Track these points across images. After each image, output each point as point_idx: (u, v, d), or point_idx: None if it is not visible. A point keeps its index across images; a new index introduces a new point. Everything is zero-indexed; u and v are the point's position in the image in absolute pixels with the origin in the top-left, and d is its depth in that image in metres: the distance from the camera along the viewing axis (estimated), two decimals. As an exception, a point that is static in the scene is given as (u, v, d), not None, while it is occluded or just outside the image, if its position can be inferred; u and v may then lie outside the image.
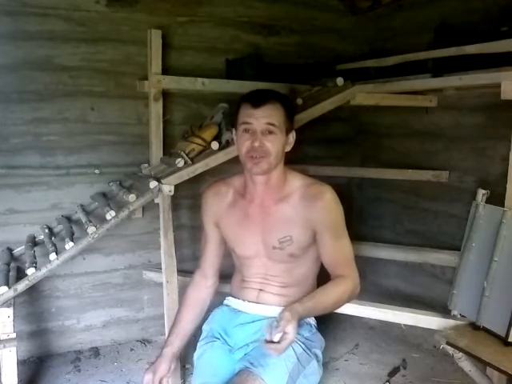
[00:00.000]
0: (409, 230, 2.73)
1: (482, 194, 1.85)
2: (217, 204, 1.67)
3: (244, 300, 1.62)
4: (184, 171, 2.09)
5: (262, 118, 1.49)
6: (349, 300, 1.55)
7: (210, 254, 1.71)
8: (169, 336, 1.65)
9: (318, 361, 1.57)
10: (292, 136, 1.58)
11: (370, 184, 2.95)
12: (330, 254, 1.55)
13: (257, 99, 1.51)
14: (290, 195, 1.56)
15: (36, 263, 1.95)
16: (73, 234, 2.07)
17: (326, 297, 1.47)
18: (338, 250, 1.54)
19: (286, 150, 1.57)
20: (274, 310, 1.56)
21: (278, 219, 1.56)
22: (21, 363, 2.05)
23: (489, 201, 1.84)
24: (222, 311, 1.67)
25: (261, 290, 1.60)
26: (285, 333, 1.26)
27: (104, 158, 2.45)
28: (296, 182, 1.58)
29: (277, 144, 1.50)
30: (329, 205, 1.53)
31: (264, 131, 1.49)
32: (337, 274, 1.54)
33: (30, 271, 1.88)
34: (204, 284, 1.72)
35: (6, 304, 1.82)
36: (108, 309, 2.56)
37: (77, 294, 2.49)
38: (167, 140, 2.42)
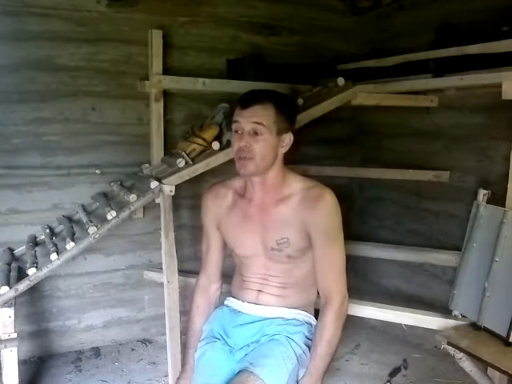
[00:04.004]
0: (409, 230, 2.73)
1: (483, 194, 1.85)
2: (216, 206, 1.66)
3: (244, 301, 1.62)
4: (185, 171, 2.09)
5: (249, 118, 1.47)
6: (342, 323, 1.52)
7: (214, 258, 1.71)
8: (189, 348, 1.65)
9: None
10: (289, 137, 1.54)
11: (371, 184, 2.95)
12: (319, 261, 1.53)
13: (246, 99, 1.51)
14: (289, 197, 1.55)
15: (37, 263, 1.95)
16: (74, 234, 2.07)
17: (324, 351, 1.47)
18: (328, 259, 1.52)
19: (280, 152, 1.54)
20: (274, 311, 1.57)
21: (276, 220, 1.55)
22: (22, 363, 2.05)
23: (490, 201, 1.84)
24: (223, 311, 1.67)
25: (260, 290, 1.60)
26: None
27: (105, 158, 2.46)
28: (297, 183, 1.57)
29: (264, 145, 1.48)
30: (327, 209, 1.51)
31: (250, 131, 1.48)
32: (324, 294, 1.53)
33: (31, 271, 1.89)
34: (211, 288, 1.72)
35: (7, 304, 1.82)
36: (109, 309, 2.57)
37: (78, 294, 2.49)
38: (168, 140, 2.43)
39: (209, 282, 1.72)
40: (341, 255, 1.54)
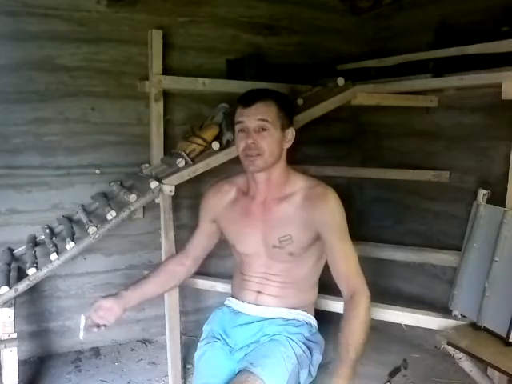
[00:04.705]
0: (409, 230, 2.73)
1: (482, 194, 1.85)
2: (216, 201, 1.68)
3: (243, 301, 1.62)
4: (185, 171, 2.09)
5: (253, 116, 1.50)
6: (370, 313, 1.51)
7: (196, 242, 1.75)
8: (127, 286, 1.66)
9: (311, 364, 1.56)
10: (291, 133, 1.58)
11: (371, 184, 2.95)
12: (338, 262, 1.52)
13: (247, 98, 1.53)
14: (292, 195, 1.56)
15: (37, 263, 1.95)
16: (74, 234, 2.07)
17: (358, 335, 1.43)
18: (346, 254, 1.52)
19: (285, 147, 1.57)
20: (274, 312, 1.57)
21: (279, 218, 1.56)
22: (22, 363, 2.05)
23: (490, 201, 1.83)
24: (223, 312, 1.67)
25: (259, 291, 1.59)
26: None
27: (105, 158, 2.46)
28: (299, 182, 1.58)
29: (270, 140, 1.51)
30: (332, 207, 1.52)
31: (256, 128, 1.50)
32: (348, 287, 1.50)
33: (30, 271, 1.89)
34: (182, 261, 1.74)
35: (6, 304, 1.82)
36: (109, 309, 2.56)
37: (78, 294, 2.49)
38: (168, 140, 2.43)
39: (183, 256, 1.75)
40: (354, 250, 1.55)
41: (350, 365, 1.40)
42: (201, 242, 1.75)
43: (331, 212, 1.52)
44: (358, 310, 1.46)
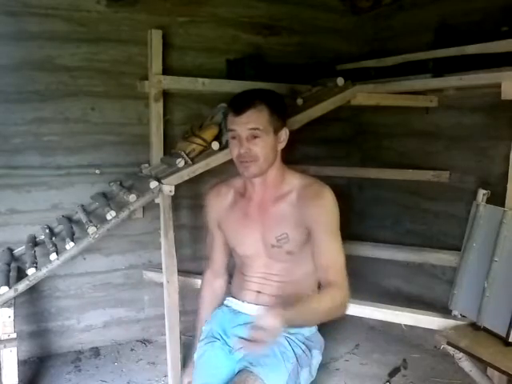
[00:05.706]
0: (409, 230, 2.73)
1: (482, 194, 1.85)
2: (218, 205, 1.67)
3: (243, 301, 1.62)
4: (184, 171, 2.09)
5: (245, 125, 1.48)
6: (340, 309, 1.47)
7: (219, 254, 1.73)
8: (197, 340, 1.68)
9: (311, 364, 1.55)
10: (285, 133, 1.56)
11: (371, 184, 2.95)
12: (321, 255, 1.51)
13: (238, 106, 1.51)
14: (288, 193, 1.56)
15: (36, 263, 1.95)
16: (73, 234, 2.07)
17: (316, 303, 1.43)
18: (330, 253, 1.51)
19: (279, 149, 1.56)
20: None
21: (275, 217, 1.55)
22: (21, 363, 2.05)
23: (489, 201, 1.84)
24: (223, 312, 1.67)
25: (259, 291, 1.59)
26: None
27: (104, 158, 2.46)
28: (295, 180, 1.58)
29: (264, 147, 1.49)
30: (326, 205, 1.52)
31: (249, 137, 1.49)
32: (326, 280, 1.49)
33: (30, 271, 1.89)
34: (216, 282, 1.74)
35: (6, 304, 1.82)
36: (108, 309, 2.57)
37: (77, 294, 2.49)
38: (167, 140, 2.43)
39: (213, 277, 1.75)
40: (342, 251, 1.53)
41: (295, 313, 1.33)
42: (221, 253, 1.73)
43: (324, 209, 1.51)
44: (333, 294, 1.43)
